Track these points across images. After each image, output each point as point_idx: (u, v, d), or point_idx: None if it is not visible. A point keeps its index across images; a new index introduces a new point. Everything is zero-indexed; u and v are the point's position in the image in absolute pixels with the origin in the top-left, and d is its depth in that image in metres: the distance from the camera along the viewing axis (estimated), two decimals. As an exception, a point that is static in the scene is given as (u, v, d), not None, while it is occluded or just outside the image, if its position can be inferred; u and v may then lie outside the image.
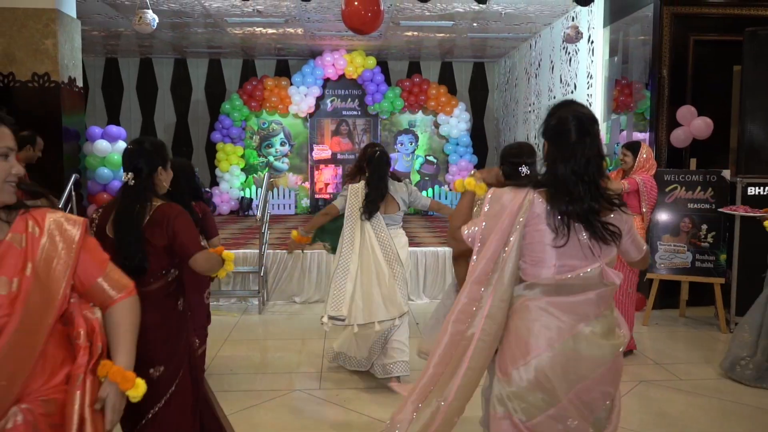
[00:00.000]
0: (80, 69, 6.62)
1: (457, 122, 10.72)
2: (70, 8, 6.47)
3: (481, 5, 6.24)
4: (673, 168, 5.81)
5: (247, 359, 4.77)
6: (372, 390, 4.06)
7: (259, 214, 6.10)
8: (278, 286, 6.43)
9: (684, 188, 5.36)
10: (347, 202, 4.09)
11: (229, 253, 2.63)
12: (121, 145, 6.72)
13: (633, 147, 4.78)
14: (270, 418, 3.67)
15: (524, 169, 2.95)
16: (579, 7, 7.67)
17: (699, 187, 5.38)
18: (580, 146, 1.94)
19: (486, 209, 2.04)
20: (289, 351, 4.94)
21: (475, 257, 2.03)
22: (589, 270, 1.93)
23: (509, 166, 2.95)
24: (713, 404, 3.90)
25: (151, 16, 5.93)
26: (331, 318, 3.85)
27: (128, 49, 10.86)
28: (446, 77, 11.84)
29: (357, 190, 4.11)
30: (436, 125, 11.06)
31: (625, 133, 6.89)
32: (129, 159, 2.48)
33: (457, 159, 10.89)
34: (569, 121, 1.97)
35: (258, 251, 6.21)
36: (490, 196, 2.05)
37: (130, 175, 2.43)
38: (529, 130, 9.87)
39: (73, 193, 6.12)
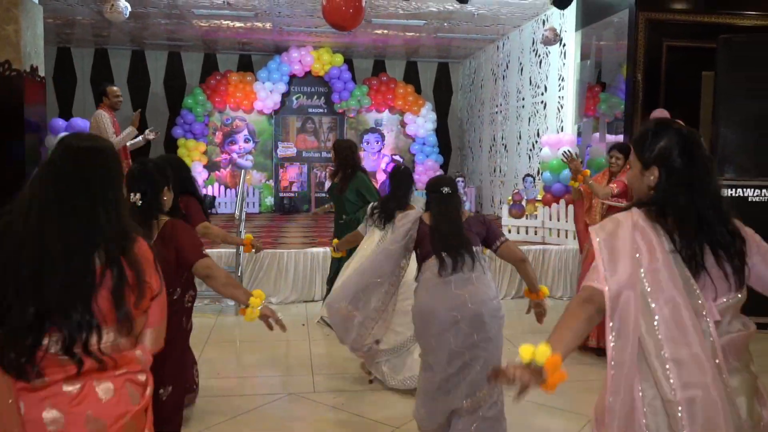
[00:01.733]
0: (42, 57, 6.28)
1: (423, 122, 10.75)
2: (32, -7, 6.12)
3: (462, 4, 6.23)
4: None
5: (233, 362, 4.61)
6: (367, 391, 3.98)
7: (237, 212, 5.92)
8: (253, 287, 6.26)
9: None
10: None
11: (258, 293, 2.48)
12: (87, 138, 6.40)
13: (624, 149, 4.83)
14: (269, 424, 3.55)
15: (446, 189, 3.08)
16: (550, 11, 7.79)
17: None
18: (694, 173, 1.71)
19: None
20: (275, 353, 4.81)
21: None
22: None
23: (431, 193, 3.14)
24: None
25: (124, 4, 5.68)
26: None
27: (83, 38, 10.39)
28: (411, 76, 11.84)
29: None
30: (403, 124, 11.04)
31: (597, 135, 7.04)
32: (135, 181, 2.54)
33: (423, 158, 10.90)
34: (677, 144, 1.73)
35: (234, 250, 6.03)
36: (595, 230, 1.74)
37: (138, 195, 2.50)
38: (496, 131, 9.97)
39: (35, 188, 5.79)
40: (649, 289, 1.59)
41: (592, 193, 4.84)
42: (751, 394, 1.68)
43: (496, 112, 9.94)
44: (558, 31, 6.79)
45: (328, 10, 6.03)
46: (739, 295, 1.69)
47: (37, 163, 6.05)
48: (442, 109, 12.02)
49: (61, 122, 6.32)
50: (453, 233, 3.05)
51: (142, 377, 1.61)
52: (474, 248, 3.03)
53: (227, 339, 5.14)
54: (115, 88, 5.88)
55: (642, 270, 1.60)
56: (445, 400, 3.00)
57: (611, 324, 1.59)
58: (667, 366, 1.54)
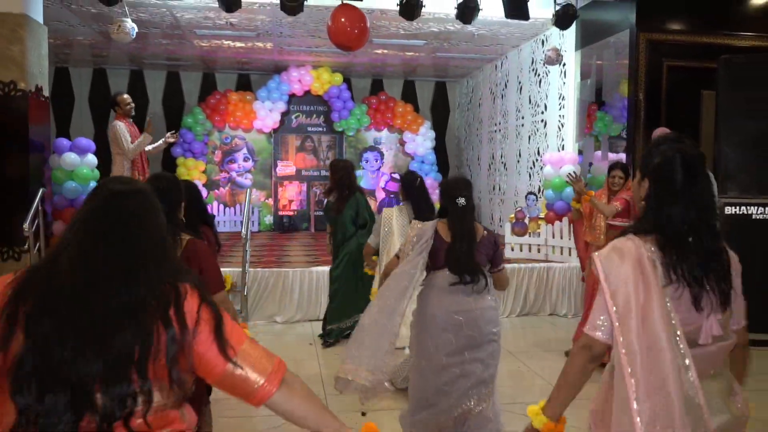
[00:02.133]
0: (47, 77, 6.27)
1: (423, 140, 10.80)
2: (38, 14, 6.13)
3: (464, 25, 6.31)
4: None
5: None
6: (384, 412, 3.96)
7: (243, 230, 5.91)
8: (258, 306, 6.24)
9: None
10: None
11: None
12: (91, 158, 6.38)
13: (626, 168, 4.90)
14: (284, 445, 3.52)
15: (461, 201, 3.20)
16: (549, 31, 7.90)
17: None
18: (690, 189, 1.74)
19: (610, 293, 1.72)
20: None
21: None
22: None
23: (447, 199, 3.23)
24: None
25: (131, 25, 5.71)
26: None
27: (81, 58, 10.40)
28: (409, 95, 11.93)
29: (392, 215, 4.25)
30: (402, 143, 11.10)
31: (599, 153, 7.10)
32: None
33: (422, 176, 10.93)
34: (675, 161, 1.75)
35: (240, 269, 6.00)
36: (599, 260, 1.75)
37: None
38: (495, 149, 10.04)
39: (40, 208, 5.76)
40: (637, 331, 1.64)
41: (592, 213, 4.90)
42: (727, 394, 1.76)
43: (495, 131, 10.02)
44: (559, 51, 6.87)
45: (333, 31, 6.08)
46: (725, 315, 1.75)
47: (41, 182, 6.02)
48: (439, 127, 12.09)
49: (65, 142, 6.29)
50: (469, 257, 3.19)
51: None
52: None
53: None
54: (125, 96, 5.96)
55: (633, 310, 1.65)
56: (436, 411, 3.15)
57: (621, 339, 1.65)
58: (637, 413, 1.59)
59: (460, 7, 6.10)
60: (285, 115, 10.58)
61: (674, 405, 1.56)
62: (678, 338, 1.62)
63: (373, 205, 10.33)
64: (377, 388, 3.08)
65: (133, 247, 1.34)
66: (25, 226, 5.48)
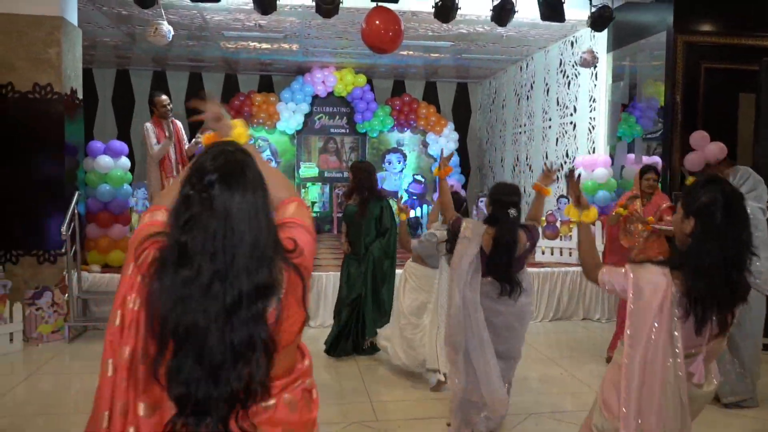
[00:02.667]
0: (80, 80, 6.28)
1: (446, 141, 10.75)
2: (73, 16, 6.14)
3: (499, 26, 6.26)
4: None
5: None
6: (434, 419, 3.92)
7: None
8: (291, 309, 6.21)
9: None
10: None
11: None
12: (124, 161, 6.38)
13: (658, 171, 4.88)
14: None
15: (513, 212, 3.19)
16: (579, 32, 7.84)
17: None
18: (730, 229, 1.98)
19: (630, 298, 2.06)
20: (326, 382, 4.74)
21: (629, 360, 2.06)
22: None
23: (498, 206, 3.22)
24: None
25: (167, 28, 5.69)
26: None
27: (104, 60, 10.42)
28: (430, 97, 11.88)
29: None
30: (425, 144, 11.05)
31: (633, 156, 7.03)
32: None
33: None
34: (718, 202, 1.98)
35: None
36: (632, 282, 2.05)
37: None
38: (519, 151, 9.98)
39: (76, 212, 5.76)
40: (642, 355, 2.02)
41: (627, 218, 4.87)
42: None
43: (520, 132, 9.95)
44: (595, 53, 6.81)
45: (367, 34, 6.05)
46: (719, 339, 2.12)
47: (75, 185, 6.02)
48: (461, 129, 12.03)
49: (99, 144, 6.29)
50: (508, 269, 3.34)
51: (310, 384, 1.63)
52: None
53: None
54: (162, 97, 5.99)
55: (643, 342, 2.01)
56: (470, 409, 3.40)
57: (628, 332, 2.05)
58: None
59: (496, 9, 6.05)
60: (308, 116, 10.56)
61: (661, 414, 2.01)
62: (677, 357, 1.99)
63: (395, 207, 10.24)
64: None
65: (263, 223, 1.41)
66: (63, 229, 5.48)
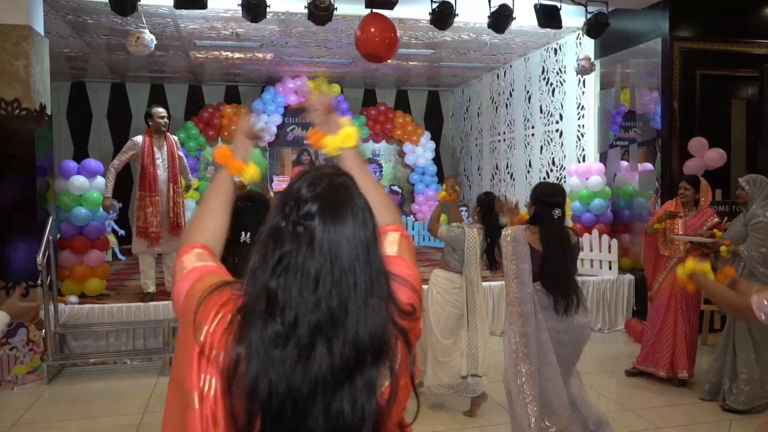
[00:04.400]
0: (49, 94, 5.74)
1: (423, 151, 10.56)
2: (39, 25, 5.60)
3: (497, 33, 6.09)
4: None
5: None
6: (469, 429, 3.66)
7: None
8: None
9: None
10: (468, 245, 4.05)
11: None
12: (100, 180, 5.88)
13: (693, 181, 4.77)
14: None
15: (557, 212, 3.10)
16: (563, 39, 7.78)
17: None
18: None
19: None
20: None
21: None
22: None
23: (542, 206, 3.12)
24: None
25: (149, 37, 5.27)
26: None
27: (58, 72, 9.76)
28: (403, 105, 11.66)
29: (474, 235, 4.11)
30: (401, 154, 10.82)
31: (626, 163, 6.98)
32: (242, 218, 2.29)
33: (423, 188, 10.69)
34: None
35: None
36: None
37: (248, 234, 2.34)
38: (499, 159, 9.87)
39: (50, 238, 5.24)
40: None
41: (666, 228, 4.77)
42: None
43: (499, 140, 9.85)
44: (592, 60, 6.73)
45: (362, 41, 5.77)
46: None
47: (47, 209, 5.49)
48: (433, 137, 11.85)
49: (71, 164, 5.76)
50: (566, 278, 3.14)
51: None
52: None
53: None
54: (159, 109, 5.73)
55: None
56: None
57: None
58: None
59: (493, 15, 5.88)
60: (280, 128, 10.17)
61: None
62: None
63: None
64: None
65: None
66: (39, 257, 4.96)
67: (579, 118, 7.60)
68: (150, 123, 5.65)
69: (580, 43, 7.43)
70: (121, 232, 8.57)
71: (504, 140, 9.68)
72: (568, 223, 7.43)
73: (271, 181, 10.26)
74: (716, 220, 4.65)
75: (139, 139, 5.63)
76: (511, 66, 9.36)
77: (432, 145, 10.76)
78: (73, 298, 5.59)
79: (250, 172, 1.47)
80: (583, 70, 6.55)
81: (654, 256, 4.91)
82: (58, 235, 5.72)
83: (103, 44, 7.80)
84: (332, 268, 1.03)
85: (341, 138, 1.44)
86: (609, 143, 7.19)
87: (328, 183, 1.10)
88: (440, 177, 11.58)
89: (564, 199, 3.27)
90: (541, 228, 3.18)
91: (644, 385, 4.76)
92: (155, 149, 5.57)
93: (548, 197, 3.23)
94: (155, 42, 5.35)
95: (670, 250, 4.75)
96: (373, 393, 1.04)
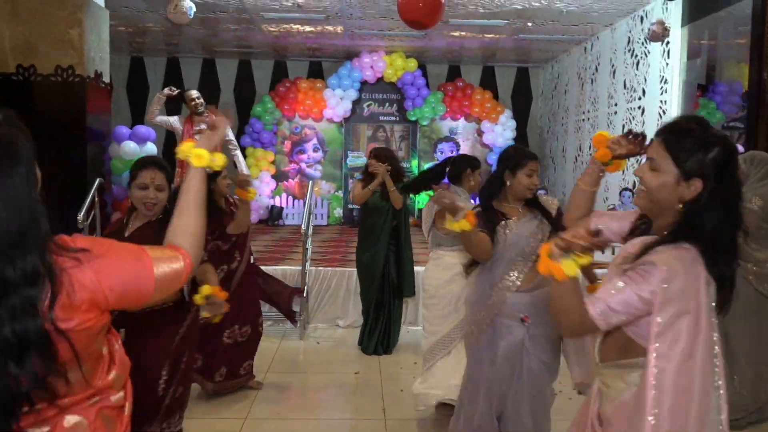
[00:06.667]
0: (107, 63, 6.04)
1: (502, 130, 10.05)
2: (98, -4, 5.90)
3: (552, 1, 5.55)
4: None
5: (298, 390, 4.10)
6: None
7: (303, 226, 5.45)
8: (320, 308, 5.77)
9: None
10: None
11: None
12: (150, 146, 6.11)
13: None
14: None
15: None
16: (650, 5, 6.99)
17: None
18: (734, 190, 1.55)
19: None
20: (346, 386, 4.27)
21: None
22: None
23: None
24: None
25: (188, 4, 5.34)
26: None
27: (155, 47, 10.32)
28: (488, 83, 11.15)
29: None
30: (479, 133, 10.38)
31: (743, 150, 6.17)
32: None
33: (501, 169, 10.19)
34: (727, 158, 1.52)
35: (300, 268, 5.56)
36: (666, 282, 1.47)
37: None
38: (582, 140, 9.16)
39: (96, 199, 5.51)
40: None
41: None
42: None
43: (583, 120, 9.13)
44: (665, 24, 5.98)
45: (403, 6, 5.50)
46: None
47: (100, 173, 5.78)
48: (520, 117, 11.24)
49: (124, 130, 6.04)
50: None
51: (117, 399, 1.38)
52: None
53: (294, 370, 4.64)
54: (191, 92, 5.88)
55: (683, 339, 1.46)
56: None
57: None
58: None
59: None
60: (356, 103, 10.10)
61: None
62: (715, 358, 1.49)
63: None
64: None
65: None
66: (79, 217, 5.23)
67: (662, 93, 6.81)
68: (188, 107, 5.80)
69: (666, 8, 6.64)
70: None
71: (588, 119, 8.96)
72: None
73: (346, 157, 10.25)
74: None
75: (177, 123, 5.81)
76: (598, 38, 8.60)
77: (512, 124, 10.20)
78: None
79: (218, 160, 1.56)
80: (655, 36, 5.83)
81: None
82: (112, 198, 6.03)
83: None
84: None
85: (194, 154, 1.53)
86: (721, 125, 6.38)
87: None
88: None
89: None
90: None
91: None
92: (192, 131, 5.67)
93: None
94: (194, 9, 5.42)
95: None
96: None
